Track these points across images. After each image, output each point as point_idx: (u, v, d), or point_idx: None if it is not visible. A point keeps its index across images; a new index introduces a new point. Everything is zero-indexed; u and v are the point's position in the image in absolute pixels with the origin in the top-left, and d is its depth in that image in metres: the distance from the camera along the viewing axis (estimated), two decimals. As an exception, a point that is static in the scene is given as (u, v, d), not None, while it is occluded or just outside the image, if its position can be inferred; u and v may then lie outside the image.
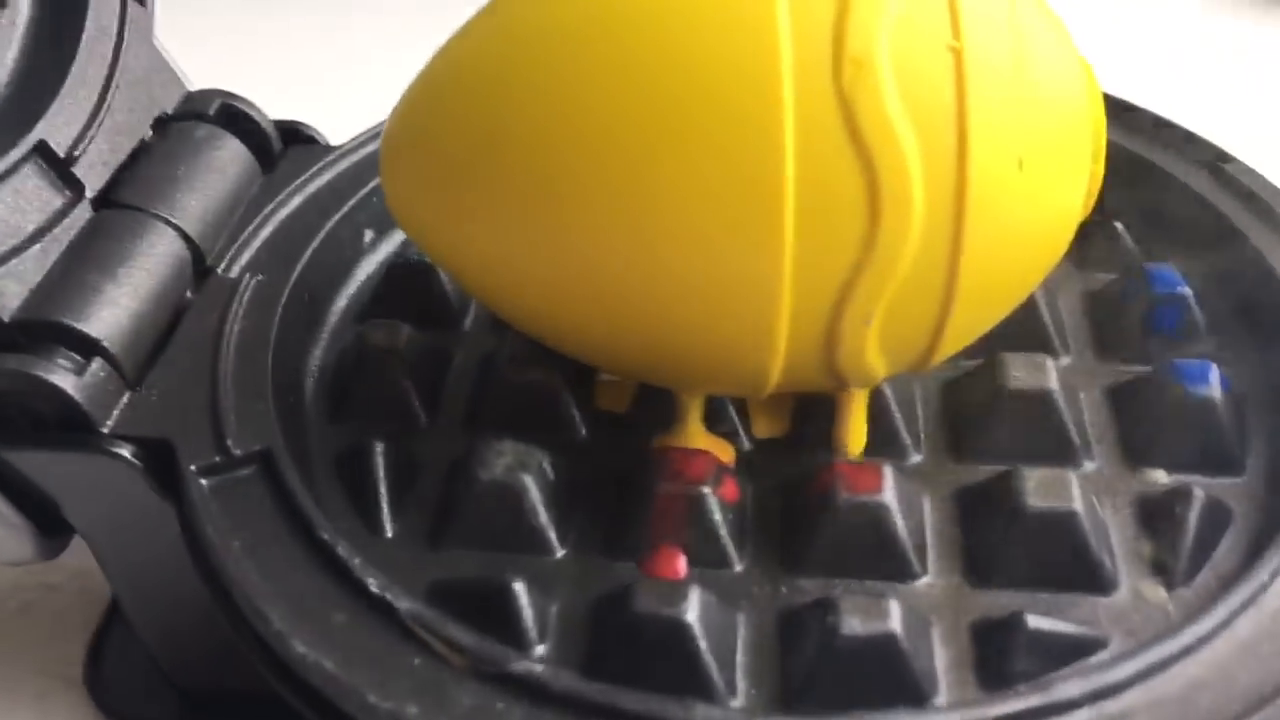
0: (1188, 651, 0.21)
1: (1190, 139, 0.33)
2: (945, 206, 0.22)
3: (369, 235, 0.33)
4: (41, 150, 0.28)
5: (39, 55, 0.30)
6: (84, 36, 0.30)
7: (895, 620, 0.22)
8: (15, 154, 0.28)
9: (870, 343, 0.23)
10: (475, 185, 0.24)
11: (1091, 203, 0.26)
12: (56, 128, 0.29)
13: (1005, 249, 0.23)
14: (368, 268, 0.32)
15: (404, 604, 0.22)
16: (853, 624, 0.22)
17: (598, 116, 0.22)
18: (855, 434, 0.27)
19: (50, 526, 0.26)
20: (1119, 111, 0.33)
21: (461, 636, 0.21)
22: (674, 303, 0.23)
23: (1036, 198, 0.23)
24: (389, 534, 0.26)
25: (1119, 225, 0.32)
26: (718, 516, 0.25)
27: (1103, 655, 0.23)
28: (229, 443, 0.25)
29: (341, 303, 0.32)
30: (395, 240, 0.33)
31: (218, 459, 0.25)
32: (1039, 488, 0.24)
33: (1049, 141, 0.23)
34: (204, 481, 0.25)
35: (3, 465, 0.25)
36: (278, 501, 0.24)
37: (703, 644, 0.22)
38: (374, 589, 0.22)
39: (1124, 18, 0.58)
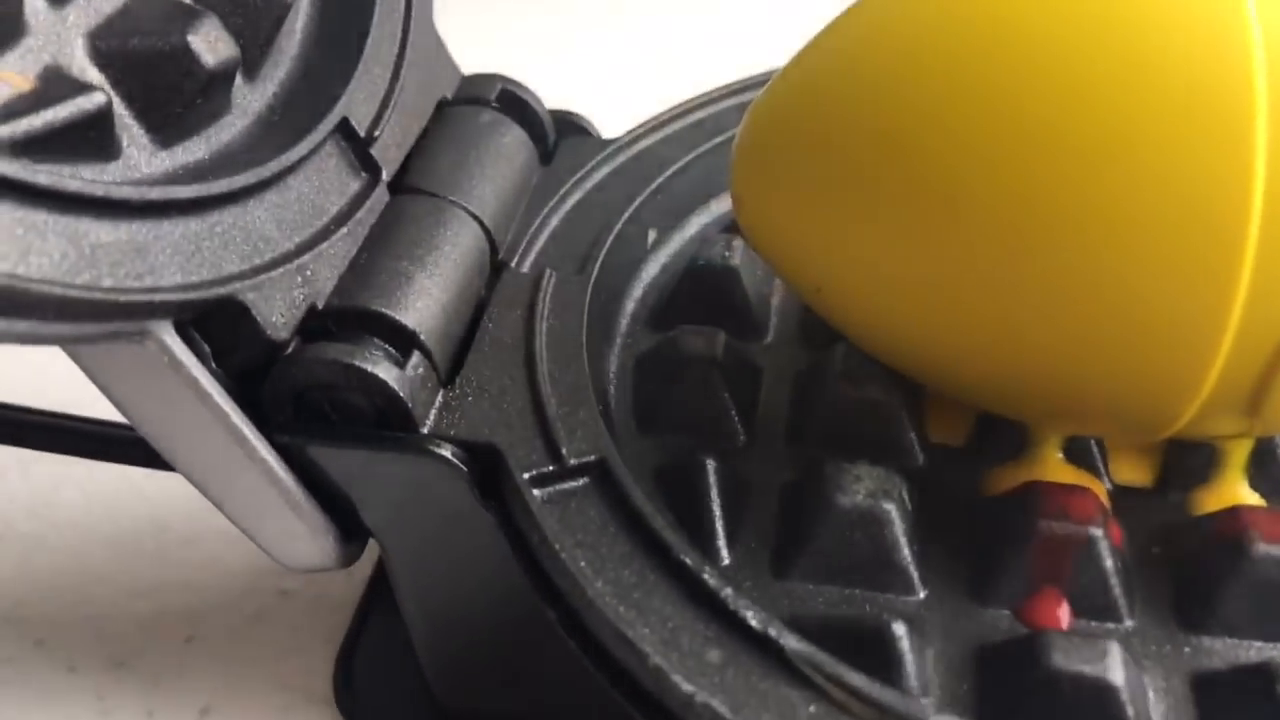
0: None
1: None
2: None
3: (652, 234, 0.30)
4: (343, 129, 0.26)
5: (330, 32, 0.28)
6: (375, 13, 0.29)
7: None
8: (321, 130, 0.26)
9: None
10: (866, 192, 0.21)
11: None
12: (356, 105, 0.27)
13: None
14: (651, 269, 0.30)
15: (791, 642, 0.20)
16: (1312, 694, 0.19)
17: (1020, 120, 0.20)
18: (1230, 484, 0.24)
19: (348, 531, 0.24)
20: None
21: (864, 685, 0.19)
22: (1089, 336, 0.20)
23: None
24: (726, 561, 0.24)
25: None
26: (1109, 563, 0.22)
27: None
28: (563, 450, 0.23)
29: (630, 305, 0.29)
30: (676, 241, 0.31)
31: (551, 468, 0.23)
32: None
33: None
34: (538, 492, 0.22)
35: (306, 463, 0.23)
36: (619, 518, 0.22)
37: (1129, 711, 0.20)
38: (754, 624, 0.20)
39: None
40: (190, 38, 0.23)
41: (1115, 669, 0.20)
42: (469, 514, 0.23)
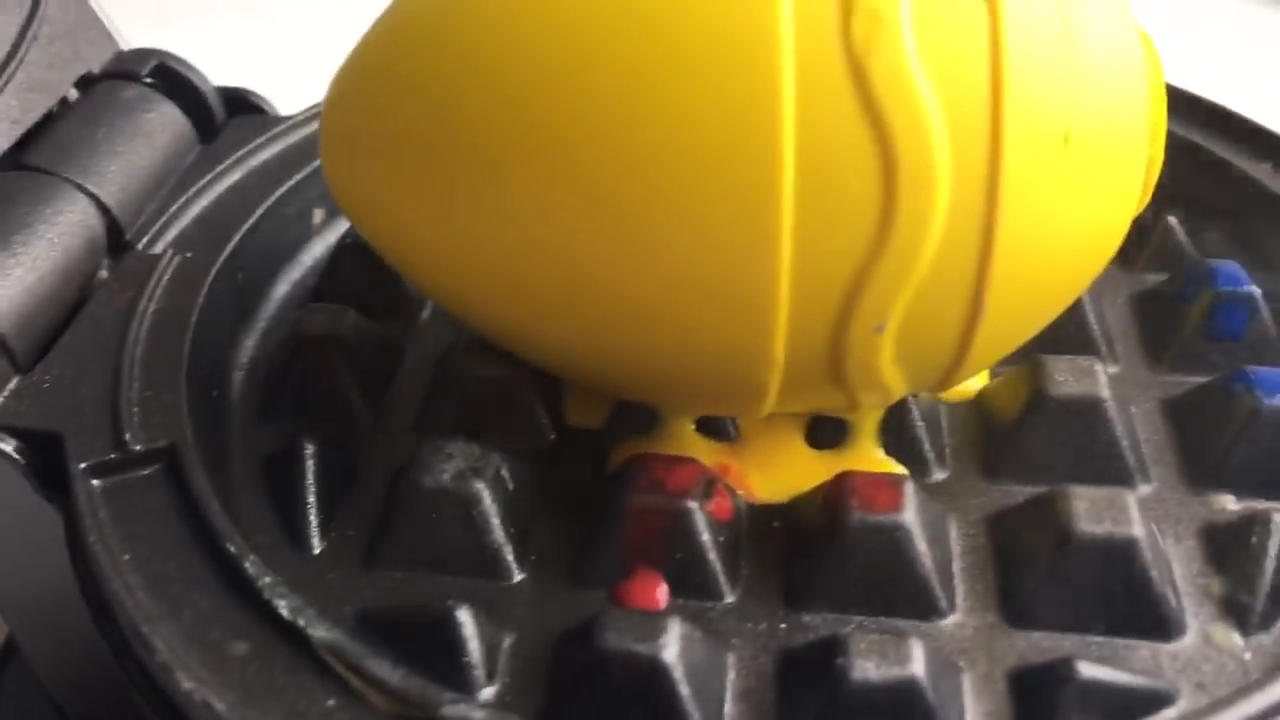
0: (1275, 711, 0.17)
1: (1256, 131, 0.29)
2: (975, 189, 0.18)
3: (319, 215, 0.29)
4: (-67, 101, 0.25)
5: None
6: (-2, -18, 0.27)
7: (918, 664, 0.18)
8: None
9: (884, 354, 0.19)
10: (424, 158, 0.20)
11: (1149, 193, 0.22)
12: (-46, 77, 0.25)
13: (1046, 241, 0.19)
14: (316, 251, 0.29)
15: (320, 632, 0.18)
16: (866, 668, 0.18)
17: (565, 78, 0.19)
18: (864, 450, 0.23)
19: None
20: (1175, 99, 0.30)
21: (387, 673, 0.17)
22: (652, 300, 0.19)
23: (1084, 182, 0.20)
24: (316, 550, 0.22)
25: (1172, 220, 0.28)
26: (706, 537, 0.21)
27: (1169, 713, 0.19)
28: (127, 438, 0.21)
29: (283, 289, 0.28)
30: (348, 221, 0.29)
31: (113, 456, 0.21)
32: (1092, 510, 0.20)
33: (1100, 115, 0.20)
34: (95, 482, 0.21)
35: None
36: (181, 508, 0.20)
37: (683, 689, 0.18)
38: (285, 613, 0.18)
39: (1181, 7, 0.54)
40: None
41: (670, 646, 0.18)
42: (30, 506, 0.21)
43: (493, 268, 0.20)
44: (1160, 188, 0.29)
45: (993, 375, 0.25)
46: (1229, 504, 0.23)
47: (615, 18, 0.18)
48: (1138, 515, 0.20)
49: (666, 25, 0.18)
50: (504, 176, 0.19)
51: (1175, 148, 0.29)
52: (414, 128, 0.20)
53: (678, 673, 0.18)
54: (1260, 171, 0.28)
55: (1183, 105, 0.29)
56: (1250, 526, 0.21)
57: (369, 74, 0.21)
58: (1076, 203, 0.20)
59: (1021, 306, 0.21)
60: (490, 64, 0.19)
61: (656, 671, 0.18)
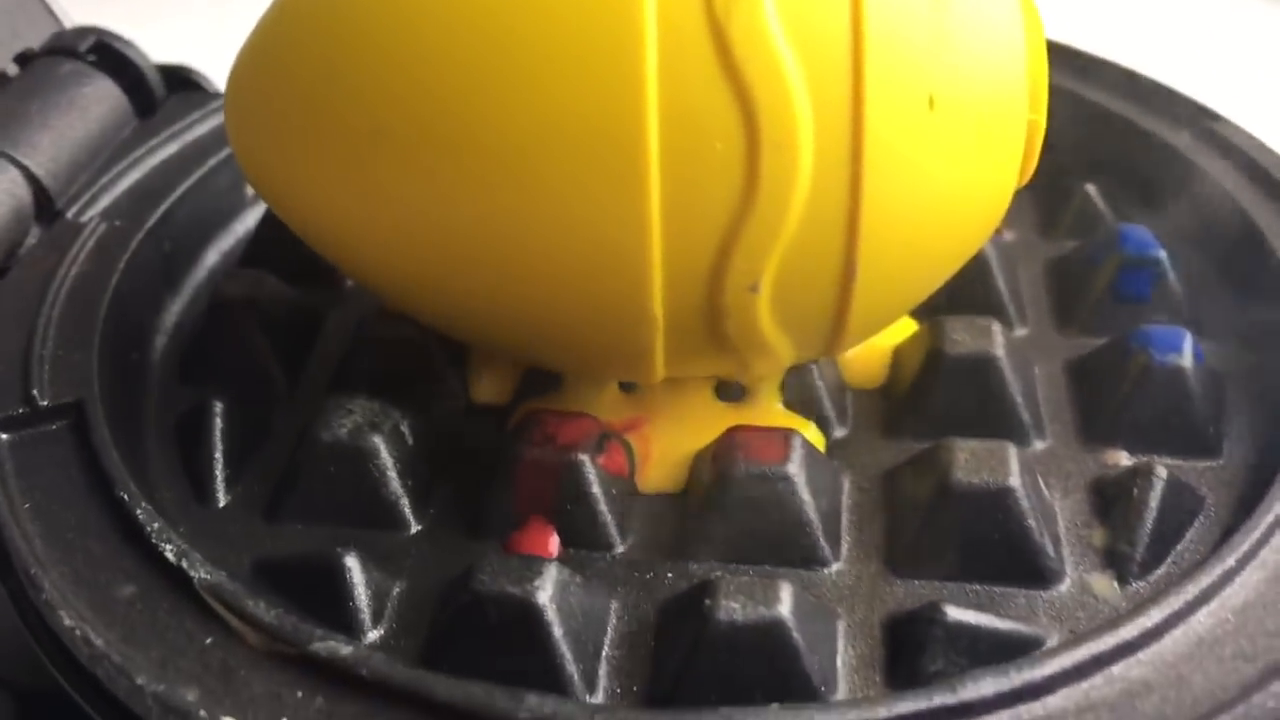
0: (1130, 648, 0.17)
1: (1172, 96, 0.29)
2: (839, 151, 0.19)
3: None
4: None
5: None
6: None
7: (785, 606, 0.18)
8: None
9: (762, 315, 0.20)
10: (312, 121, 0.21)
11: (1033, 161, 0.22)
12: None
13: (917, 204, 0.20)
14: (249, 221, 0.29)
15: (200, 574, 0.19)
16: (732, 609, 0.18)
17: (436, 40, 0.19)
18: (765, 404, 0.23)
19: None
20: (1090, 66, 0.30)
21: (262, 613, 0.18)
22: (535, 263, 0.20)
23: (955, 146, 0.20)
24: (220, 504, 0.23)
25: (1091, 189, 0.29)
26: (597, 489, 0.21)
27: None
28: (35, 393, 0.22)
29: (213, 258, 0.28)
30: (285, 195, 0.30)
31: (20, 411, 0.22)
32: (970, 460, 0.21)
33: (969, 77, 0.20)
34: (3, 436, 0.21)
35: None
36: (84, 461, 0.21)
37: (556, 630, 0.19)
38: (169, 556, 0.19)
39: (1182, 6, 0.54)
40: None
41: (545, 589, 0.19)
42: (-56, 464, 0.22)
43: (386, 236, 0.21)
44: (1079, 156, 0.29)
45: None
46: (1122, 459, 0.23)
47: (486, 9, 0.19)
48: (1016, 467, 0.21)
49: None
50: (390, 148, 0.20)
51: (1094, 116, 0.29)
52: (306, 102, 0.21)
53: (550, 614, 0.19)
54: (1179, 140, 0.28)
55: (1101, 73, 0.30)
56: (1133, 479, 0.21)
57: (267, 50, 0.22)
58: (947, 166, 0.20)
59: (897, 269, 0.21)
60: (374, 39, 0.20)
61: (530, 613, 0.19)
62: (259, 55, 0.22)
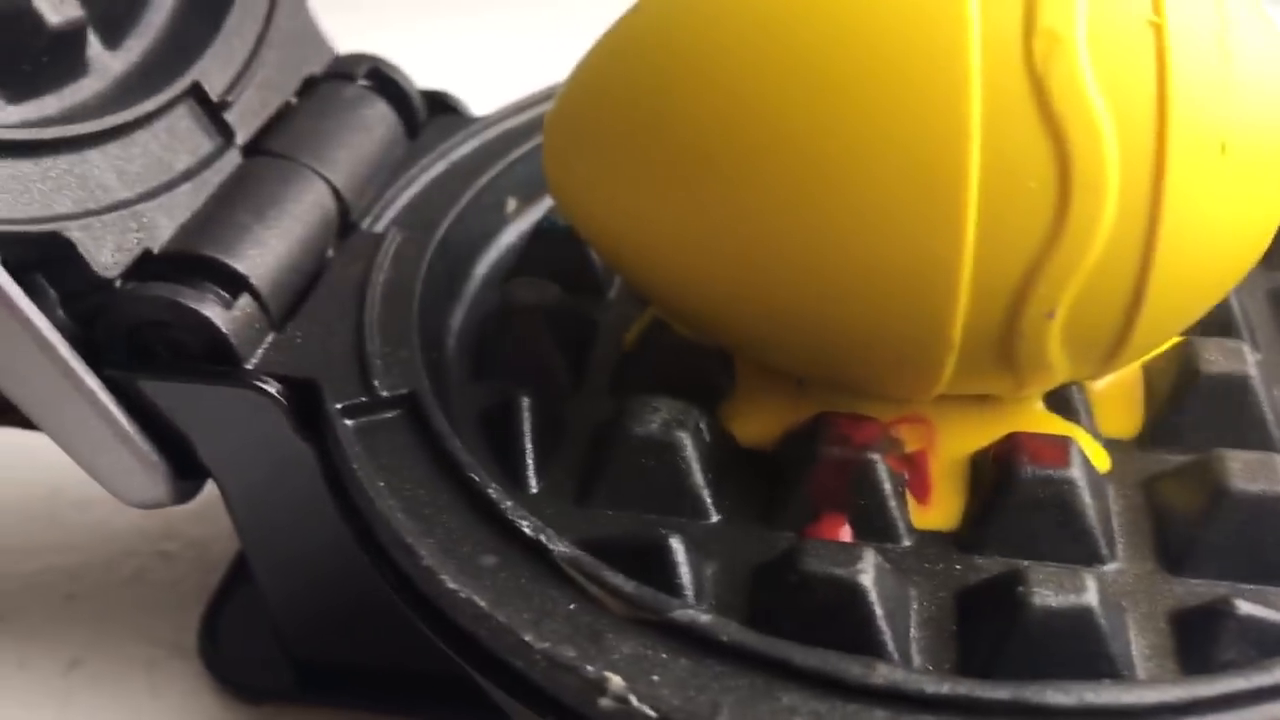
0: None
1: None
2: (1141, 192, 0.20)
3: (512, 203, 0.32)
4: (195, 92, 0.28)
5: (195, 9, 0.30)
6: (239, -9, 0.30)
7: (1093, 594, 0.20)
8: (170, 92, 0.27)
9: (1053, 339, 0.22)
10: (637, 164, 0.23)
11: None
12: (210, 73, 0.29)
13: (1203, 240, 0.21)
14: (509, 236, 0.32)
15: (559, 547, 0.21)
16: (1046, 596, 0.20)
17: (769, 87, 0.21)
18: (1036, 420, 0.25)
19: (184, 469, 0.26)
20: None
21: (621, 582, 0.20)
22: (841, 288, 0.22)
23: (1239, 185, 0.22)
24: (534, 489, 0.25)
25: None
26: (888, 486, 0.23)
27: (1319, 652, 0.21)
28: (375, 384, 0.24)
29: (482, 269, 0.31)
30: (538, 210, 0.32)
31: (363, 399, 0.24)
32: (1245, 470, 0.22)
33: (1254, 125, 0.22)
34: (349, 422, 0.24)
35: (142, 399, 0.25)
36: (424, 444, 0.23)
37: (878, 610, 0.21)
38: (527, 531, 0.21)
39: None
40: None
41: (867, 572, 0.21)
42: (288, 444, 0.24)
43: (697, 255, 0.23)
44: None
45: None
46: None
47: (819, 32, 0.21)
48: (1287, 476, 0.22)
49: (867, 45, 0.20)
50: (714, 176, 0.22)
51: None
52: (630, 137, 0.23)
53: (873, 595, 0.21)
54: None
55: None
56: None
57: (589, 90, 0.24)
58: (1231, 205, 0.22)
59: (1179, 298, 0.23)
60: (703, 79, 0.22)
61: (856, 593, 0.21)
62: (584, 94, 0.24)
